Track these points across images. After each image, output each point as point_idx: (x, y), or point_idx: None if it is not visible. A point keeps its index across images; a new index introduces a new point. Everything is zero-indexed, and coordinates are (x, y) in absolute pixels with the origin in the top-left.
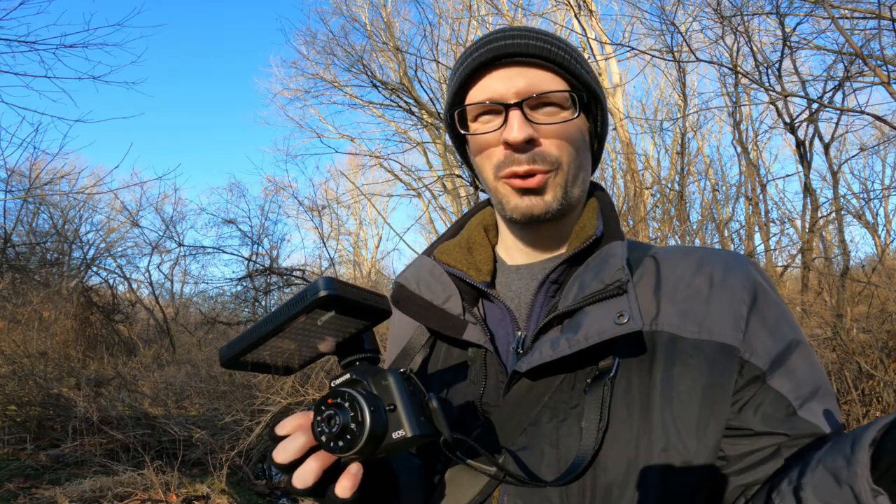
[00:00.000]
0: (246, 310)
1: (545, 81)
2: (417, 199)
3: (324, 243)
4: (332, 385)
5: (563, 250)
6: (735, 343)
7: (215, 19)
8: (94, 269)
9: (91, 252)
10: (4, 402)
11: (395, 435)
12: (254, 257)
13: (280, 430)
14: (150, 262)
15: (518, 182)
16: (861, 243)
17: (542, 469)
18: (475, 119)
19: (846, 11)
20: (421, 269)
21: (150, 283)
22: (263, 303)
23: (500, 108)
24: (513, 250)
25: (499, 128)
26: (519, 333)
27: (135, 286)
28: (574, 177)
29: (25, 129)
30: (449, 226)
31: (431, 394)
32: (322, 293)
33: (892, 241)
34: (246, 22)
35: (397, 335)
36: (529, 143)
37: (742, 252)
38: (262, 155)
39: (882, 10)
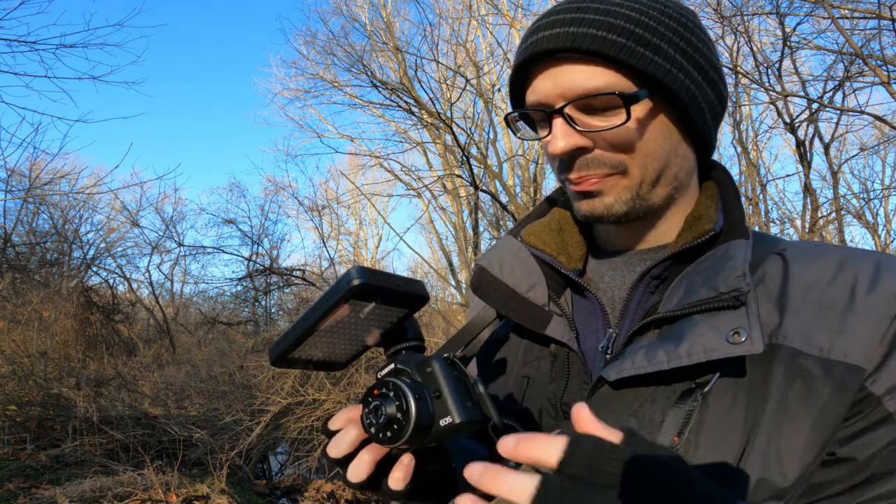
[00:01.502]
0: (246, 310)
1: (590, 78)
2: (417, 199)
3: (324, 243)
4: (378, 376)
5: (670, 239)
6: (866, 366)
7: (215, 19)
8: (94, 269)
9: (91, 252)
10: (4, 402)
11: (442, 422)
12: (254, 257)
13: (333, 424)
14: (150, 262)
15: (573, 186)
16: (861, 243)
17: None
18: (539, 120)
19: (846, 11)
20: (505, 250)
21: (150, 283)
22: (263, 303)
23: (544, 115)
24: (610, 235)
25: (548, 134)
26: (610, 331)
27: (135, 286)
28: (654, 178)
29: (25, 129)
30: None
31: (478, 378)
32: (355, 282)
33: (892, 241)
34: (246, 22)
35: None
36: (579, 151)
37: None
38: (262, 155)
39: (882, 10)
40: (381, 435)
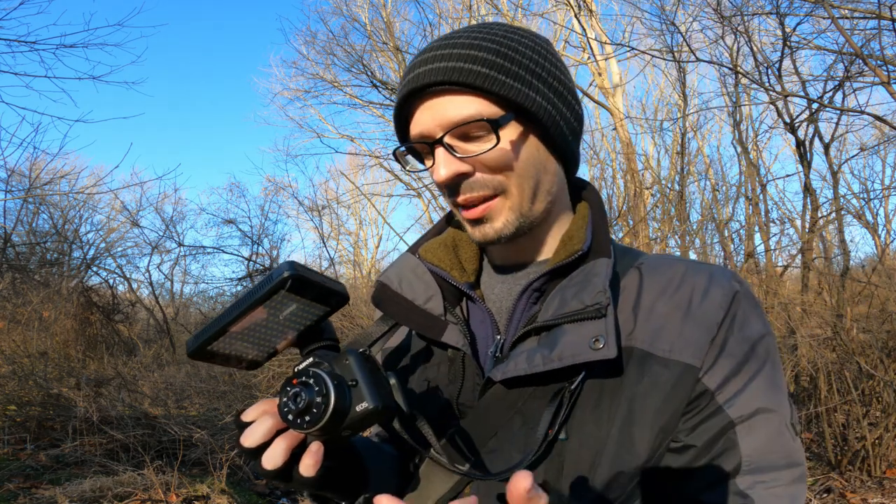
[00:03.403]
0: None
1: (459, 108)
2: (417, 199)
3: (324, 243)
4: (296, 369)
5: (549, 255)
6: (699, 364)
7: (215, 19)
8: (94, 269)
9: (91, 252)
10: (4, 402)
11: (358, 408)
12: (254, 257)
13: (246, 416)
14: (150, 262)
15: (464, 212)
16: (861, 243)
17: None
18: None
19: (846, 11)
20: (404, 267)
21: (150, 283)
22: None
23: (426, 147)
24: (499, 251)
25: (433, 164)
26: (498, 338)
27: (135, 286)
28: (532, 194)
29: (25, 129)
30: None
31: (390, 372)
32: (286, 274)
33: (892, 241)
34: (246, 22)
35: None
36: (461, 177)
37: (741, 249)
38: (262, 155)
39: (882, 10)
40: (298, 420)
